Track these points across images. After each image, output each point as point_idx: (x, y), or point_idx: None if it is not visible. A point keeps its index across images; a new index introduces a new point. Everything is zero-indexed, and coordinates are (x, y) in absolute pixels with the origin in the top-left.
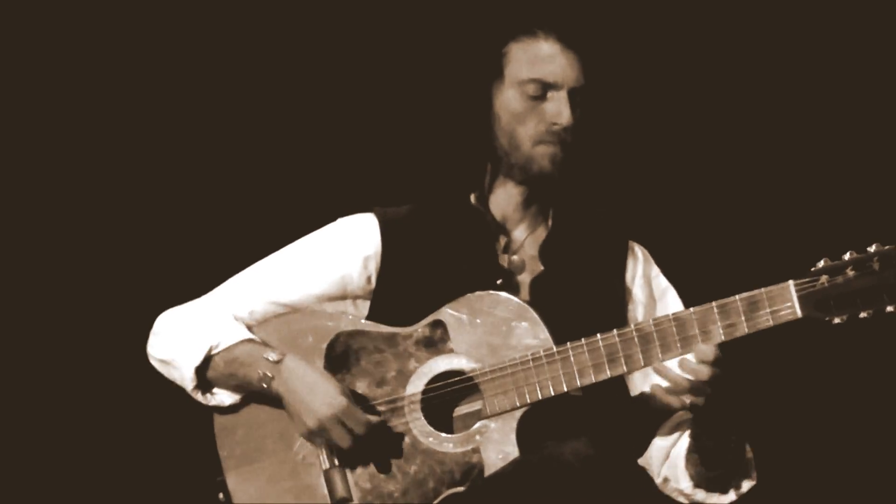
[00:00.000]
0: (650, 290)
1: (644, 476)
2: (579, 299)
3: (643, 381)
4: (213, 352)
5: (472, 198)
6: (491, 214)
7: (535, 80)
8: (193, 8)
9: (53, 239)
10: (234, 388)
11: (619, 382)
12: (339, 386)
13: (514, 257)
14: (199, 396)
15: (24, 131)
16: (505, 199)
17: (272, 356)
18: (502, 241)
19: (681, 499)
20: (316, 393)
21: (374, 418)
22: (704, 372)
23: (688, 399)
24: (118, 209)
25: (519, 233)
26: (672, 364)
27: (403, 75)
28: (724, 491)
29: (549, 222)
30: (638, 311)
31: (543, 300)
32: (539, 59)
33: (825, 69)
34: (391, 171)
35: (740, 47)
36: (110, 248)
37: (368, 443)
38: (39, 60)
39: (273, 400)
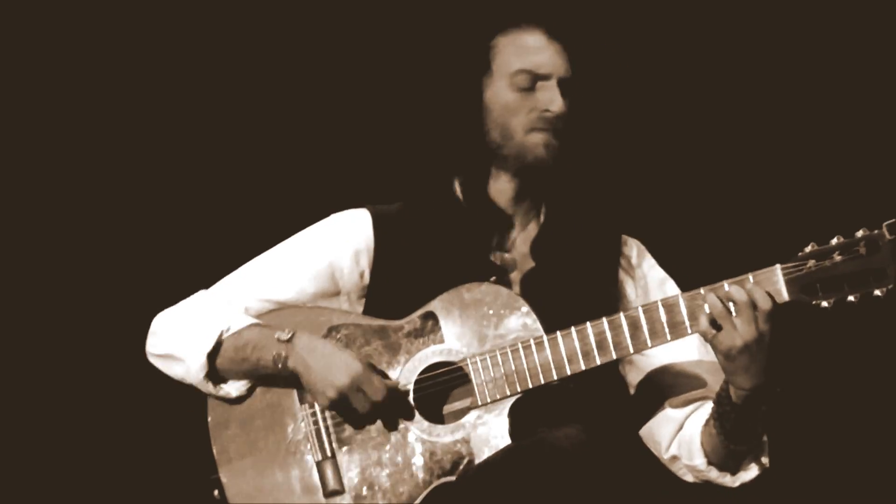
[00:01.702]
0: (646, 282)
1: (637, 461)
2: (570, 295)
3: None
4: (224, 336)
5: (459, 192)
6: (484, 210)
7: (525, 71)
8: (174, 11)
9: (45, 240)
10: (243, 375)
11: (610, 372)
12: (354, 354)
13: (507, 255)
14: (208, 387)
15: (21, 132)
16: (496, 194)
17: (283, 335)
18: (494, 237)
19: (688, 476)
20: (332, 364)
21: (391, 382)
22: (748, 313)
23: (716, 333)
24: (112, 211)
25: (512, 229)
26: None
27: (394, 71)
28: (735, 472)
29: (542, 218)
30: (634, 305)
31: (534, 297)
32: (527, 50)
33: (806, 54)
34: (384, 168)
35: (724, 34)
36: (102, 250)
37: (378, 415)
38: (39, 60)
39: (267, 393)
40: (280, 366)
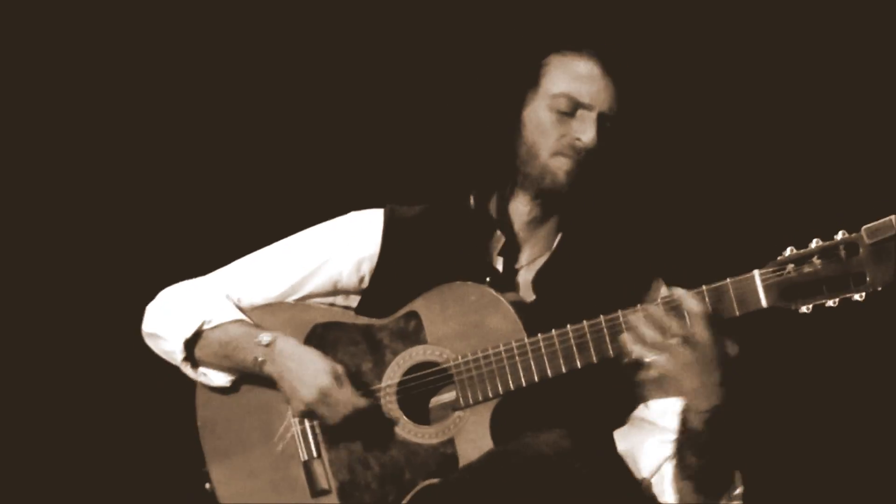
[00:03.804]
0: None
1: (621, 469)
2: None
3: None
4: (205, 327)
5: (473, 201)
6: (505, 225)
7: (568, 96)
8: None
9: (49, 236)
10: (226, 370)
11: (595, 375)
12: (330, 364)
13: (513, 279)
14: (189, 370)
15: (23, 130)
16: (514, 215)
17: (264, 338)
18: (499, 244)
19: None
20: (305, 372)
21: (360, 402)
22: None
23: (655, 354)
24: (127, 206)
25: (524, 254)
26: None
27: (440, 75)
28: None
29: (553, 248)
30: None
31: (529, 329)
32: (577, 76)
33: (780, 59)
34: (416, 168)
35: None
36: (108, 246)
37: (354, 424)
38: (39, 60)
39: (254, 391)
40: (258, 370)
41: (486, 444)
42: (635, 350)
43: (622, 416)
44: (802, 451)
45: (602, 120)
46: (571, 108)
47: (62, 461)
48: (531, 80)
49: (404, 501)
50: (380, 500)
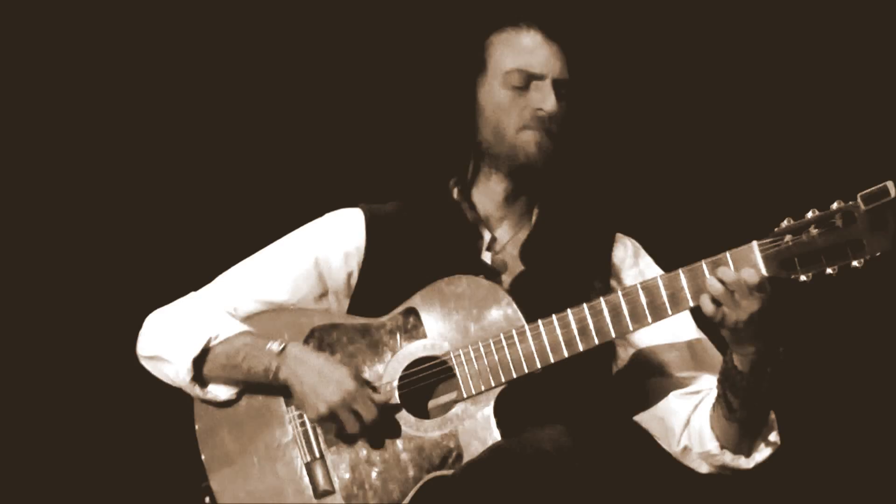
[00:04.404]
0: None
1: (622, 462)
2: (561, 298)
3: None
4: (213, 343)
5: (455, 192)
6: (474, 211)
7: (519, 70)
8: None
9: (36, 240)
10: (234, 382)
11: (596, 363)
12: (348, 369)
13: (497, 256)
14: (195, 390)
15: (19, 131)
16: (488, 195)
17: (275, 346)
18: (486, 238)
19: (702, 466)
20: (325, 378)
21: (381, 398)
22: (745, 289)
23: (721, 312)
24: (105, 212)
25: (502, 232)
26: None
27: (389, 70)
28: (749, 453)
29: (533, 221)
30: None
31: (524, 300)
32: (522, 49)
33: (769, 35)
34: (379, 166)
35: (702, 25)
36: (94, 251)
37: (375, 426)
38: (39, 60)
39: (252, 398)
40: (271, 377)
41: (489, 435)
42: (703, 303)
43: (637, 396)
44: (803, 416)
45: (557, 86)
46: (525, 82)
47: (64, 470)
48: (478, 65)
49: (409, 496)
50: (384, 496)
